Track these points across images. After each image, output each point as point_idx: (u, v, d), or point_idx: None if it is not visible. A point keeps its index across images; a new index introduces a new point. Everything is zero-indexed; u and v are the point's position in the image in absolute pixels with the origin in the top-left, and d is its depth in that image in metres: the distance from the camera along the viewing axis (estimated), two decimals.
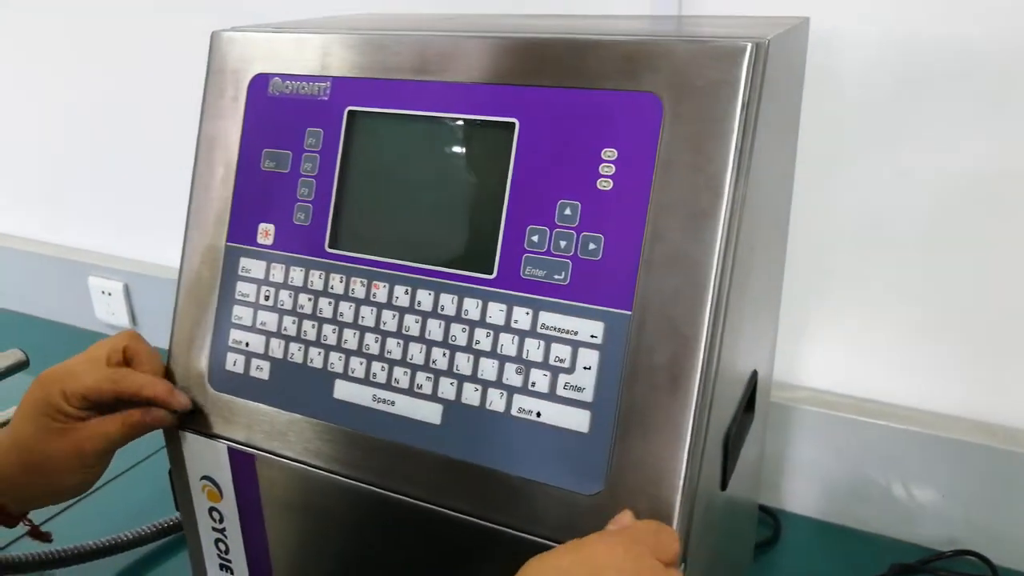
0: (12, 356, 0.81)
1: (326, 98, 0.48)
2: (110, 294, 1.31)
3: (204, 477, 0.53)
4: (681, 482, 0.39)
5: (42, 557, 0.77)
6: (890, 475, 0.84)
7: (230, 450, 0.51)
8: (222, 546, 0.54)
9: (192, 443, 0.52)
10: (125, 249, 1.32)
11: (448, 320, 0.44)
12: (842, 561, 0.82)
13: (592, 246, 0.41)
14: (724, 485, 0.46)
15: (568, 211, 0.41)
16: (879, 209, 0.79)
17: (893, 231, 0.79)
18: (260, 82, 0.50)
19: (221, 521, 0.54)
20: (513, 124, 0.43)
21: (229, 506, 0.53)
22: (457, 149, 0.44)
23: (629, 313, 0.40)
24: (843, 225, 0.81)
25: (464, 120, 0.44)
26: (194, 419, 0.52)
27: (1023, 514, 0.79)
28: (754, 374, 0.51)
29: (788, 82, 0.48)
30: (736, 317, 0.42)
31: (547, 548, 0.40)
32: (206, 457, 0.52)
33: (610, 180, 0.40)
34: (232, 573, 0.55)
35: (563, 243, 0.41)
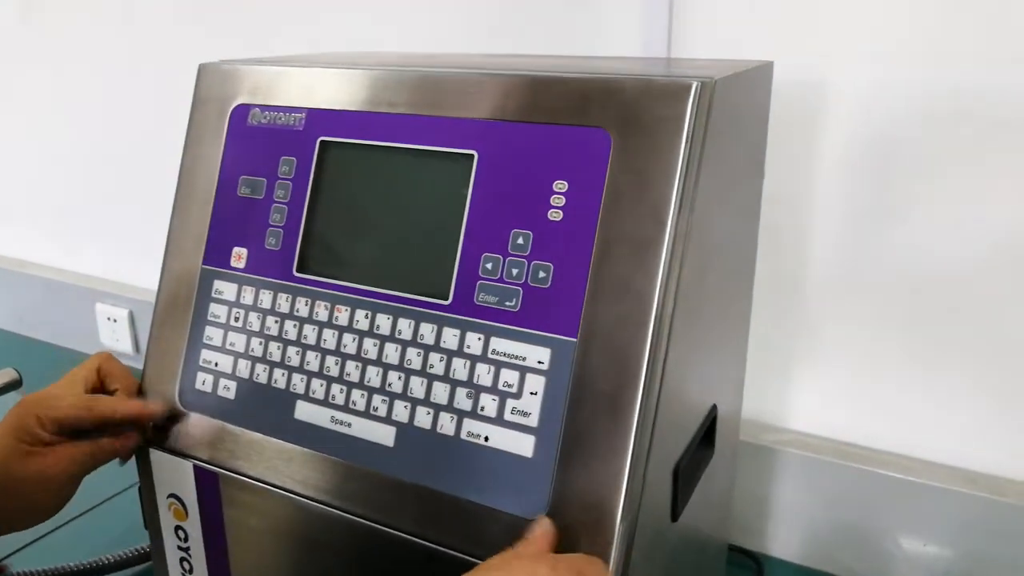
0: (6, 375, 0.83)
1: (300, 128, 0.50)
2: (115, 320, 1.34)
3: (171, 495, 0.54)
4: (620, 508, 0.39)
5: None
6: (872, 521, 0.84)
7: (196, 468, 0.52)
8: (186, 564, 0.55)
9: (160, 461, 0.53)
10: (132, 277, 1.35)
11: (404, 344, 0.45)
12: None
13: (542, 274, 0.42)
14: (675, 517, 0.46)
15: (520, 240, 0.43)
16: (862, 254, 0.80)
17: (877, 275, 0.80)
18: (241, 112, 0.52)
19: (186, 540, 0.54)
20: (472, 156, 0.44)
21: (194, 525, 0.53)
22: (419, 179, 0.46)
23: (575, 340, 0.41)
24: (828, 271, 0.82)
25: (427, 151, 0.46)
26: (163, 437, 0.53)
27: (1005, 563, 0.78)
28: (713, 408, 0.51)
29: (743, 121, 0.50)
30: (684, 347, 0.43)
31: None
32: (173, 475, 0.53)
33: (560, 211, 0.42)
34: None
35: (515, 271, 0.43)
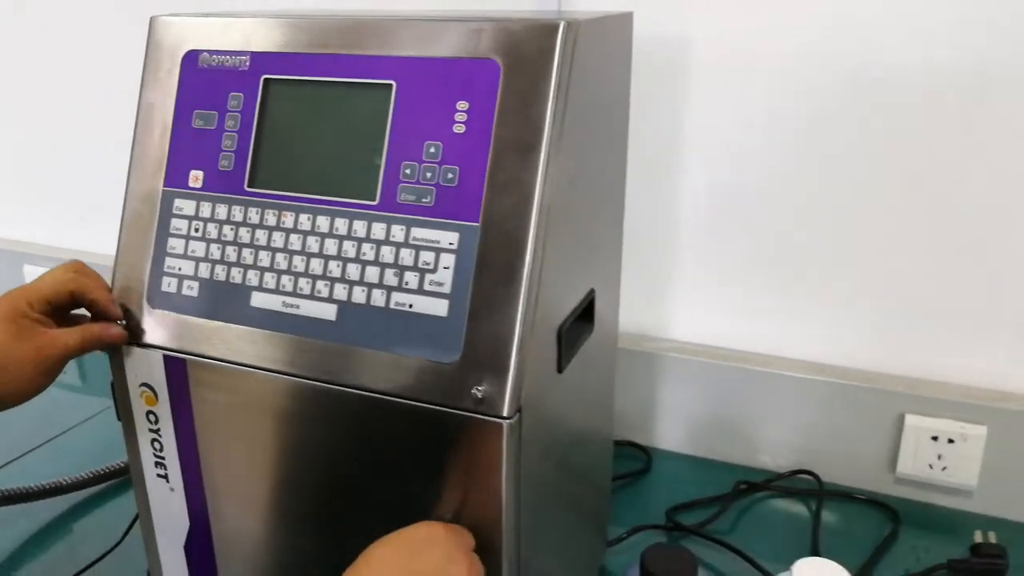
0: None
1: (246, 69, 0.60)
2: None
3: (142, 384, 0.63)
4: (514, 352, 0.52)
5: None
6: (742, 411, 0.99)
7: (165, 357, 0.62)
8: (157, 445, 0.65)
9: (132, 355, 0.63)
10: (60, 241, 1.39)
11: (341, 238, 0.56)
12: (700, 485, 0.96)
13: (450, 175, 0.54)
14: (560, 368, 0.59)
15: (432, 149, 0.54)
16: (725, 188, 0.95)
17: (740, 204, 0.95)
18: (191, 57, 0.62)
19: (156, 422, 0.64)
20: (391, 85, 0.55)
21: (163, 408, 0.63)
22: (349, 105, 0.57)
23: (477, 225, 0.53)
24: (696, 203, 0.97)
25: (354, 83, 0.56)
26: (134, 334, 0.62)
27: (847, 438, 0.95)
28: (591, 292, 0.64)
29: (606, 57, 0.62)
30: (563, 234, 0.55)
31: (421, 410, 0.53)
32: (144, 366, 0.63)
33: (463, 125, 0.53)
34: (166, 469, 0.65)
35: (428, 174, 0.54)
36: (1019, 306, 0.86)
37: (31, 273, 1.37)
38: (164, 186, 0.62)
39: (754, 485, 0.96)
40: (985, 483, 0.89)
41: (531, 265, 0.52)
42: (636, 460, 1.03)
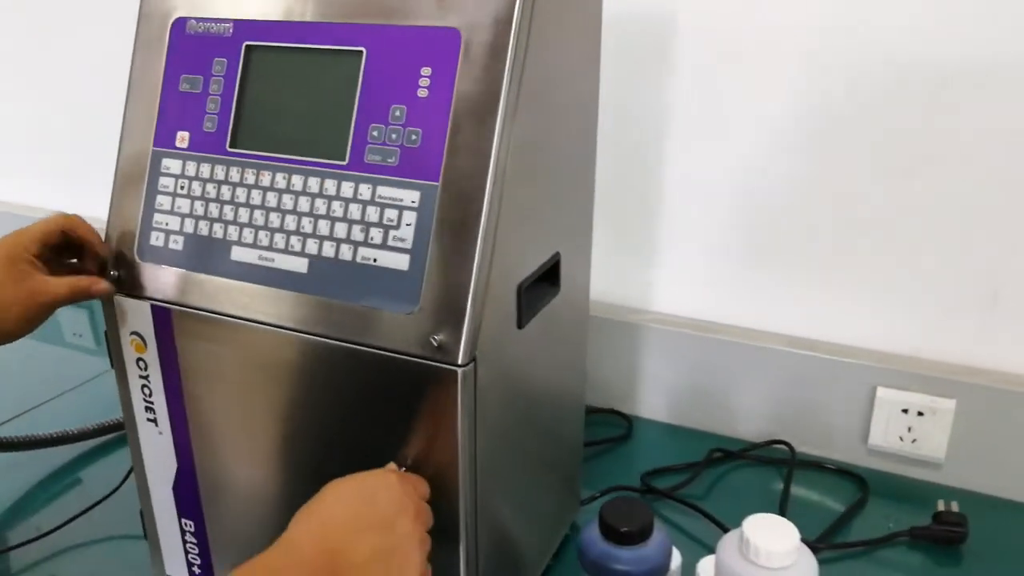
0: None
1: (229, 35, 0.63)
2: None
3: (133, 332, 0.68)
4: (469, 304, 0.55)
5: None
6: (719, 382, 1.02)
7: (152, 307, 0.66)
8: (146, 390, 0.69)
9: (124, 305, 0.67)
10: (61, 201, 1.44)
11: (313, 196, 0.60)
12: (677, 453, 0.99)
13: (414, 137, 0.57)
14: (520, 324, 0.62)
15: (398, 113, 0.57)
16: (702, 165, 0.97)
17: (721, 180, 0.97)
18: (180, 24, 0.65)
19: (146, 368, 0.68)
20: (361, 52, 0.59)
21: (151, 355, 0.67)
22: (322, 70, 0.60)
23: (437, 184, 0.56)
24: (676, 182, 0.99)
25: (328, 49, 0.60)
26: (125, 285, 0.67)
27: (821, 410, 0.97)
28: (556, 255, 0.67)
29: (570, 25, 0.64)
30: (521, 196, 0.59)
31: (383, 358, 0.57)
32: (134, 315, 0.67)
33: (426, 90, 0.57)
34: (155, 414, 0.70)
35: (394, 136, 0.57)
36: (988, 282, 0.88)
37: None
38: (153, 146, 0.66)
39: (729, 453, 0.99)
40: (953, 455, 0.91)
41: (486, 223, 0.55)
42: (617, 427, 1.06)
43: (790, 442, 0.98)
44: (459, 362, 0.55)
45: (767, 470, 0.97)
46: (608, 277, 1.06)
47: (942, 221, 0.88)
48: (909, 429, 0.92)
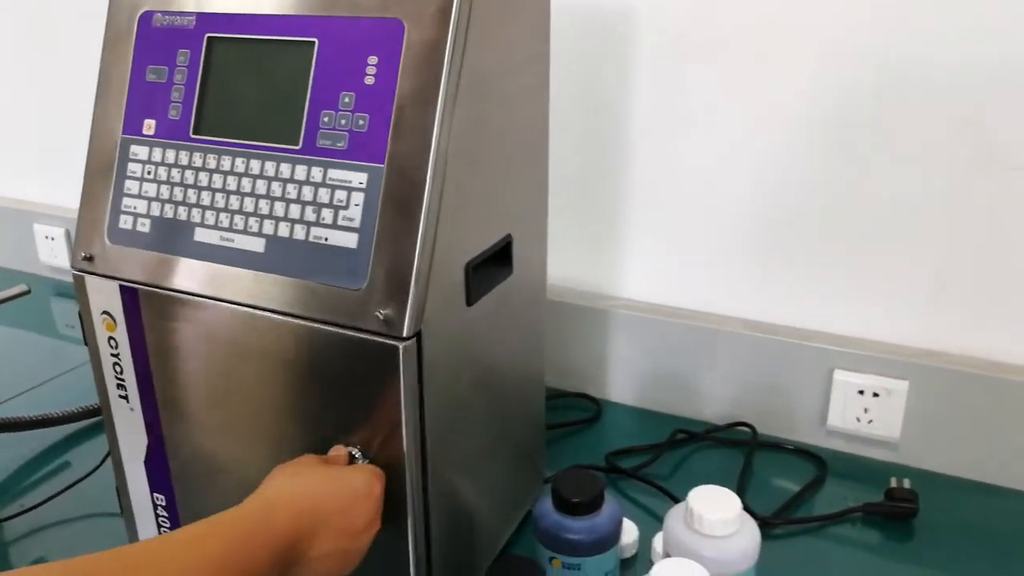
0: (17, 289, 1.03)
1: (192, 27, 0.67)
2: (53, 239, 1.48)
3: (103, 312, 0.71)
4: (413, 278, 0.58)
5: None
6: (684, 366, 1.05)
7: (121, 287, 0.69)
8: (118, 368, 0.73)
9: (94, 284, 0.70)
10: (67, 200, 1.48)
11: (269, 179, 0.63)
12: (642, 435, 1.02)
13: (361, 122, 0.60)
14: (469, 302, 0.65)
15: (347, 99, 0.60)
16: (671, 153, 1.00)
17: (679, 174, 1.00)
18: (147, 17, 0.69)
19: (116, 347, 0.72)
20: (313, 42, 0.62)
21: (121, 333, 0.71)
22: (277, 60, 0.64)
23: (383, 166, 0.59)
24: (643, 170, 1.02)
25: (282, 40, 0.63)
26: (95, 266, 0.70)
27: (782, 393, 1.00)
28: (508, 236, 0.71)
29: (515, 15, 0.67)
30: (465, 178, 0.62)
31: (333, 333, 0.60)
32: (104, 295, 0.70)
33: (373, 78, 0.60)
34: (126, 391, 0.73)
35: (343, 121, 0.61)
36: (939, 267, 0.90)
37: (40, 232, 1.46)
38: (122, 134, 0.69)
39: (692, 435, 1.01)
40: (907, 435, 0.93)
41: (428, 203, 0.58)
42: (587, 410, 1.09)
43: (753, 424, 1.01)
44: (403, 335, 0.58)
45: (730, 451, 1.00)
46: (578, 264, 1.09)
47: (896, 212, 0.90)
48: (865, 410, 0.94)
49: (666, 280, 1.06)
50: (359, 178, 0.60)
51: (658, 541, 0.80)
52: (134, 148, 0.69)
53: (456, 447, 0.68)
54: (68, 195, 1.47)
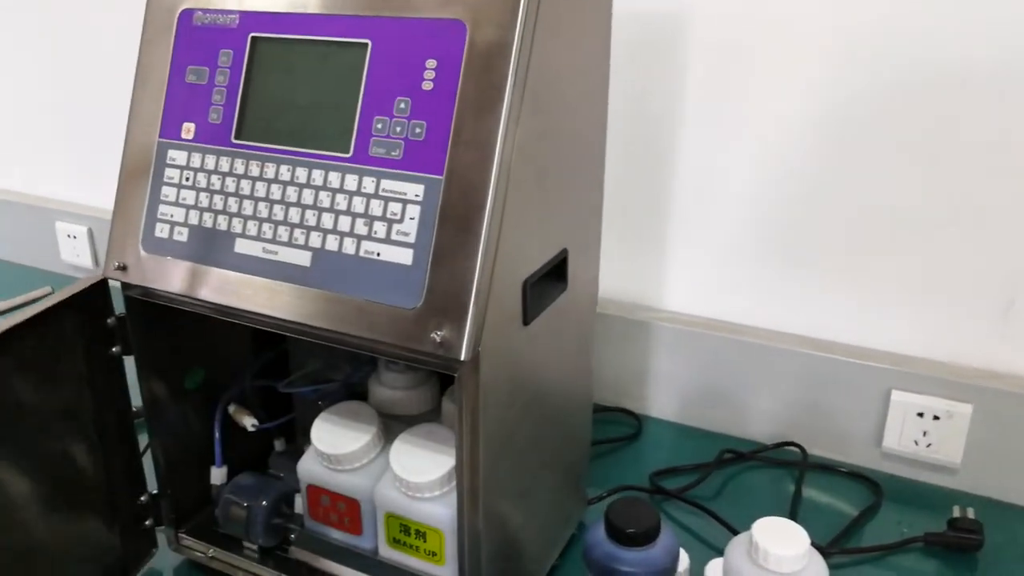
0: (41, 291, 1.01)
1: (235, 27, 0.63)
2: (75, 237, 1.45)
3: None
4: (472, 298, 0.54)
5: None
6: (731, 382, 1.01)
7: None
8: None
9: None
10: (90, 199, 1.45)
11: (317, 189, 0.59)
12: (687, 453, 0.98)
13: (418, 130, 0.56)
14: (525, 321, 0.61)
15: (403, 105, 0.57)
16: (716, 163, 0.96)
17: (729, 185, 0.96)
18: (187, 15, 0.65)
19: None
20: (367, 44, 0.58)
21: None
22: (327, 62, 0.60)
23: (441, 178, 0.55)
24: (689, 179, 0.98)
25: (333, 41, 0.59)
26: (129, 275, 0.66)
27: (835, 413, 0.96)
28: (564, 251, 0.67)
29: (579, 19, 0.63)
30: (527, 191, 0.58)
31: (386, 353, 0.56)
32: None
33: (431, 82, 0.56)
34: None
35: (398, 128, 0.57)
36: (1007, 283, 0.86)
37: (62, 231, 1.44)
38: (159, 137, 0.66)
39: (740, 454, 0.97)
40: (969, 461, 0.89)
41: (490, 218, 0.54)
42: (627, 426, 1.05)
43: (802, 444, 0.97)
44: (461, 358, 0.55)
45: (778, 472, 0.95)
46: (619, 275, 1.05)
47: (961, 223, 0.86)
48: (924, 433, 0.90)
49: (712, 292, 1.01)
50: (415, 190, 0.56)
51: (711, 571, 0.76)
52: (172, 153, 0.65)
53: (506, 473, 0.65)
54: (92, 193, 1.44)
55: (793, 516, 0.87)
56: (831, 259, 0.93)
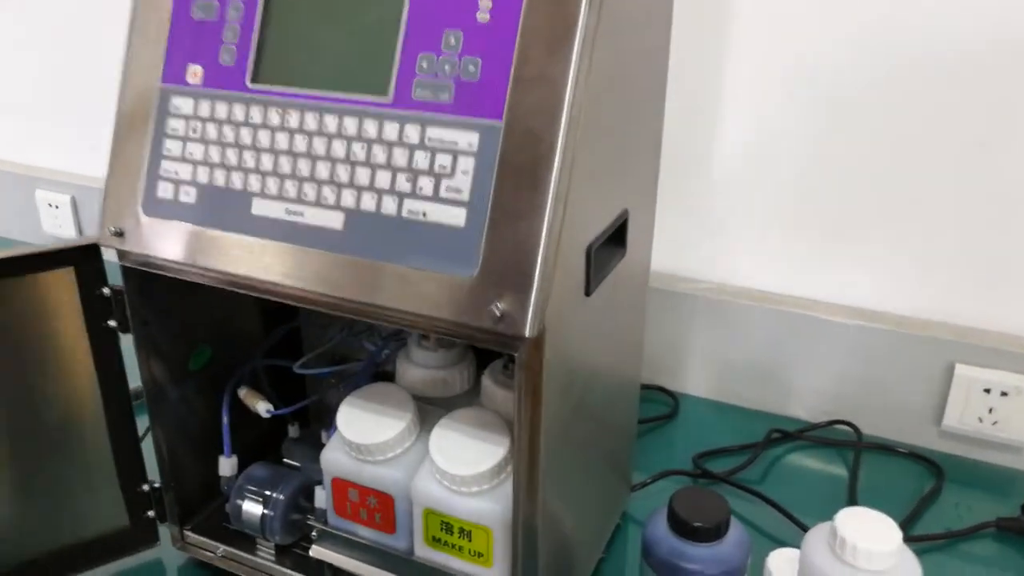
0: None
1: None
2: (57, 207, 1.35)
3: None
4: (538, 267, 0.46)
5: None
6: (776, 357, 0.94)
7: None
8: None
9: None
10: (72, 166, 1.35)
11: (350, 139, 0.51)
12: (730, 433, 0.91)
13: (471, 68, 0.48)
14: (588, 291, 0.53)
15: (452, 40, 0.48)
16: (763, 130, 0.88)
17: (785, 150, 0.88)
18: None
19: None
20: None
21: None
22: None
23: (500, 124, 0.47)
24: (734, 146, 0.90)
25: None
26: (127, 242, 0.58)
27: (889, 388, 0.89)
28: (624, 212, 0.59)
29: None
30: (595, 142, 0.50)
31: (436, 328, 0.48)
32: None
33: (488, 13, 0.47)
34: None
35: (447, 67, 0.48)
36: None
37: (43, 199, 1.34)
38: (161, 83, 0.57)
39: (788, 434, 0.91)
40: None
41: (559, 170, 0.46)
42: (662, 404, 0.98)
43: (855, 423, 0.90)
44: (525, 334, 0.47)
45: (827, 452, 0.89)
46: (658, 244, 0.97)
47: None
48: (990, 410, 0.84)
49: (757, 262, 0.94)
50: (468, 139, 0.48)
51: (774, 562, 0.69)
52: (176, 100, 0.56)
53: (565, 463, 0.57)
54: (75, 160, 1.34)
55: (852, 501, 0.80)
56: (888, 226, 0.86)
